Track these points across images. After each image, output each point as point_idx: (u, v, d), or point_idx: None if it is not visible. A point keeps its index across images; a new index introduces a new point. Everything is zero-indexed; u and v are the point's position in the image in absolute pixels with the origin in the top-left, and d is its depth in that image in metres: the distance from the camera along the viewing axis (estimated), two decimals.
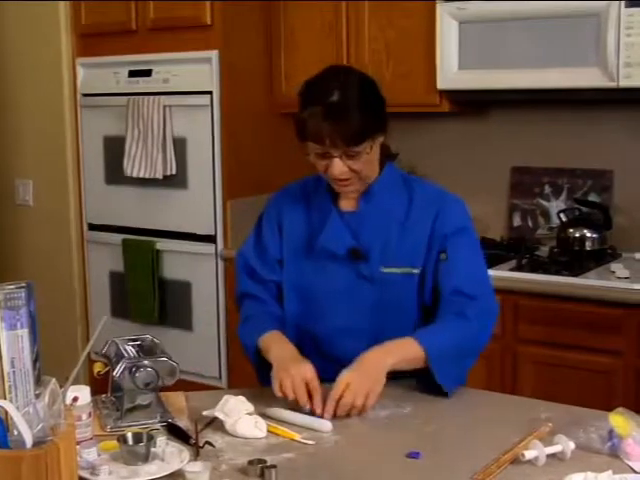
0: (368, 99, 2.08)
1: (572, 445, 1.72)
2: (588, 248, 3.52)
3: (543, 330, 3.21)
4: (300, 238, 2.24)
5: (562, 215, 3.64)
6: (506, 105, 3.85)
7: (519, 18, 3.36)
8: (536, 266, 3.36)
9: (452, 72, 3.56)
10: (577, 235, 3.54)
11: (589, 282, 3.17)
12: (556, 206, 3.77)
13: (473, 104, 3.86)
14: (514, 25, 3.37)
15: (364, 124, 2.04)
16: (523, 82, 3.40)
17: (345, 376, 1.96)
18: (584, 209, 3.63)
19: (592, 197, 3.69)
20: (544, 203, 3.83)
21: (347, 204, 2.22)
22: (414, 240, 2.16)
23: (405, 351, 2.04)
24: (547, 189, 3.82)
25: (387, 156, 2.25)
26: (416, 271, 2.16)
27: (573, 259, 3.41)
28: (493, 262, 3.43)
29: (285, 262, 2.26)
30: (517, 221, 3.90)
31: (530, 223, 3.87)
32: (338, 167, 2.07)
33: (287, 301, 2.26)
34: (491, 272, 3.31)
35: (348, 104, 2.03)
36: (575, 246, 3.53)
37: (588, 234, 3.53)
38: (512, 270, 3.35)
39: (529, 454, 1.69)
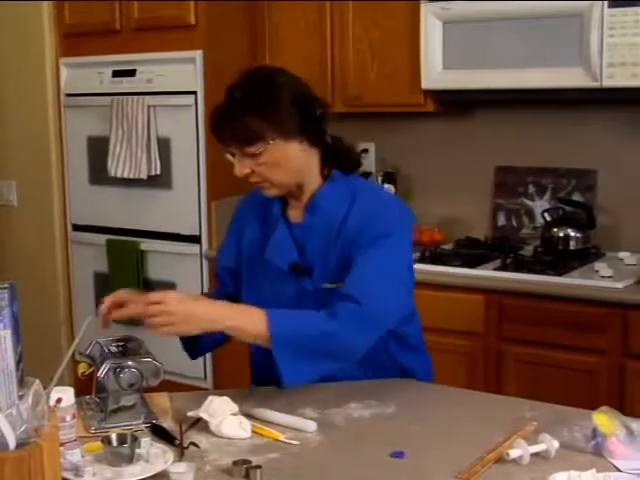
0: (275, 102, 2.02)
1: (556, 444, 1.72)
2: (572, 247, 3.53)
3: (527, 329, 3.22)
4: (256, 249, 2.21)
5: (546, 215, 3.65)
6: (490, 105, 3.86)
7: (503, 18, 3.37)
8: (520, 265, 3.37)
9: (436, 72, 3.57)
10: (561, 235, 3.55)
11: (573, 281, 3.19)
12: (540, 206, 3.78)
13: (457, 104, 3.86)
14: (498, 25, 3.38)
15: (255, 125, 1.99)
16: (507, 82, 3.41)
17: (173, 296, 1.94)
18: (568, 209, 3.64)
19: (576, 197, 3.70)
20: (528, 203, 3.84)
21: (296, 215, 2.17)
22: (349, 252, 2.07)
23: (249, 323, 1.95)
24: (531, 189, 3.83)
25: (349, 164, 2.20)
26: None
27: (557, 258, 3.42)
28: (477, 262, 3.44)
29: (243, 275, 2.25)
30: (501, 221, 3.91)
31: (514, 223, 3.88)
32: (236, 166, 2.05)
33: None
34: (475, 271, 3.35)
35: (243, 103, 2.00)
36: (559, 245, 3.54)
37: (572, 233, 3.54)
38: (496, 269, 3.35)
39: (513, 453, 1.69)
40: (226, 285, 2.30)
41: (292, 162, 2.07)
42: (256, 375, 2.28)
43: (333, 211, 2.11)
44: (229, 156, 2.07)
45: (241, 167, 2.05)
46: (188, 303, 1.94)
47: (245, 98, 2.01)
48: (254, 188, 2.16)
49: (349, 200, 2.11)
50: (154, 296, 1.94)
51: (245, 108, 2.00)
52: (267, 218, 2.21)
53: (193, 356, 2.27)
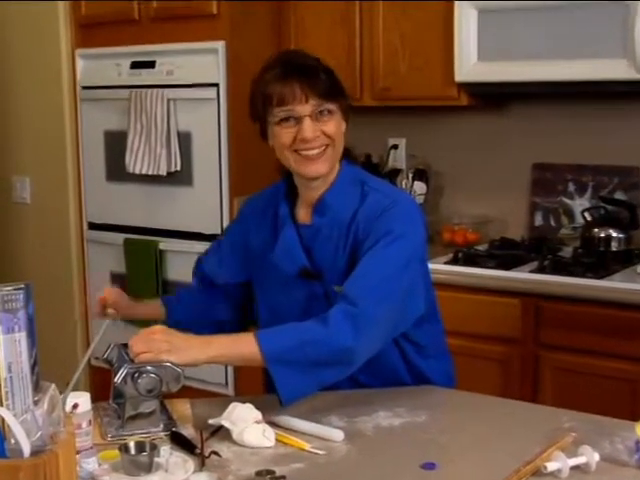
0: (332, 71, 2.10)
1: (597, 457, 1.71)
2: (614, 249, 3.51)
3: (566, 335, 3.21)
4: (265, 252, 2.22)
5: (586, 214, 3.63)
6: (528, 98, 3.85)
7: (542, 7, 3.35)
8: (559, 268, 3.35)
9: (471, 64, 3.56)
10: (602, 235, 3.54)
11: (614, 284, 3.16)
12: (580, 204, 3.76)
13: (493, 97, 3.85)
14: (537, 14, 3.37)
15: (333, 81, 2.06)
16: (546, 74, 3.39)
17: (160, 328, 1.98)
18: (610, 208, 3.62)
19: (618, 195, 3.68)
20: (567, 201, 3.82)
21: (304, 215, 2.19)
22: (357, 252, 2.08)
23: (237, 349, 1.97)
24: (571, 187, 3.81)
25: (348, 159, 2.22)
26: None
27: (598, 260, 3.40)
28: (513, 263, 3.43)
29: (255, 280, 2.27)
30: (539, 220, 3.89)
31: (552, 222, 3.86)
32: (309, 127, 2.03)
33: (259, 316, 2.28)
34: (511, 274, 3.33)
35: (314, 63, 2.07)
36: (600, 247, 3.53)
37: (614, 234, 3.52)
38: (533, 272, 3.34)
39: (551, 466, 1.69)
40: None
41: (342, 142, 2.12)
42: (269, 382, 2.28)
43: (343, 210, 2.12)
44: (278, 131, 2.07)
45: (314, 127, 2.05)
46: (176, 334, 1.97)
47: (311, 60, 2.08)
48: (269, 185, 2.17)
49: (359, 199, 2.12)
50: (141, 331, 1.96)
51: (318, 67, 2.07)
52: (274, 220, 2.22)
53: None
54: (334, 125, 2.07)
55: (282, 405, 1.94)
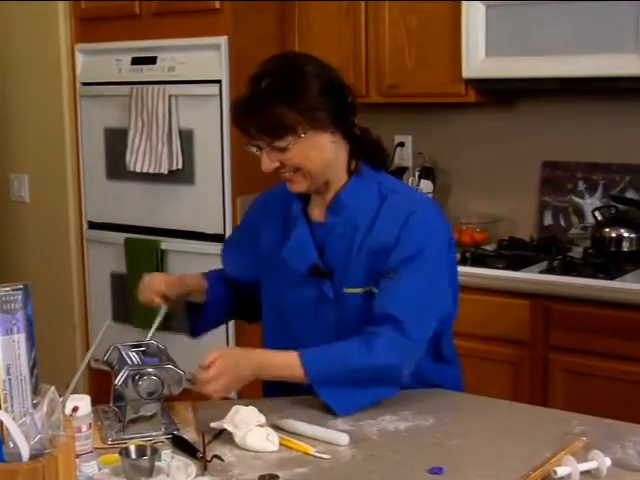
0: (305, 91, 2.02)
1: (608, 462, 1.71)
2: (625, 249, 3.51)
3: (576, 337, 3.21)
4: (274, 251, 2.23)
5: (597, 213, 3.63)
6: (537, 95, 3.84)
7: (551, 2, 3.34)
8: (569, 268, 3.35)
9: (479, 59, 3.56)
10: (613, 235, 3.53)
11: (626, 285, 3.16)
12: (591, 204, 3.76)
13: (501, 94, 3.85)
14: (546, 8, 3.36)
15: (285, 117, 1.99)
16: (556, 70, 3.39)
17: (224, 368, 2.01)
18: (621, 207, 3.62)
19: (630, 194, 3.68)
20: (578, 200, 3.82)
21: (318, 213, 2.19)
22: (376, 257, 2.09)
23: (285, 372, 2.05)
24: (581, 185, 3.81)
25: (377, 159, 2.20)
26: (376, 290, 2.09)
27: (609, 261, 3.39)
28: (522, 264, 3.42)
29: (263, 278, 2.28)
30: (548, 220, 3.89)
31: (562, 222, 3.86)
32: (265, 161, 2.06)
33: (265, 315, 2.29)
34: (520, 274, 3.33)
35: (271, 92, 2.01)
36: (611, 247, 3.52)
37: (625, 234, 3.52)
38: (543, 272, 3.34)
39: (561, 471, 1.68)
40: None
41: (324, 155, 2.08)
42: (268, 387, 2.29)
43: (359, 211, 2.12)
44: (254, 149, 2.08)
45: (269, 161, 2.06)
46: (236, 360, 2.05)
47: (273, 87, 2.01)
48: (279, 182, 2.17)
49: (378, 200, 2.12)
50: (209, 365, 1.99)
51: (273, 98, 2.00)
52: (287, 217, 2.23)
53: (194, 332, 2.38)
54: (295, 154, 2.04)
55: (337, 414, 2.02)
